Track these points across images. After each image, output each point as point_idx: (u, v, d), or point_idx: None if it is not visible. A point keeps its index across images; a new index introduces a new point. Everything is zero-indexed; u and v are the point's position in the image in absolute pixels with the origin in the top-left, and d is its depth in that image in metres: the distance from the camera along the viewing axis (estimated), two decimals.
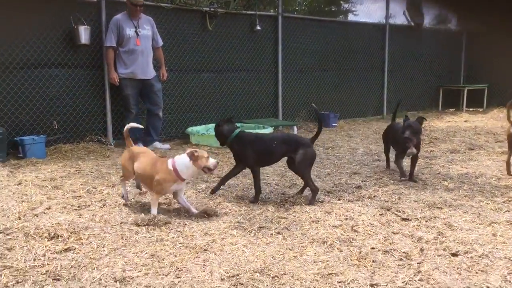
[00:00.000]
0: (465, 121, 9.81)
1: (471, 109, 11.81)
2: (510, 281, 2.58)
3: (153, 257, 2.90)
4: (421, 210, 3.83)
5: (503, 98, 11.47)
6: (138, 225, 3.41)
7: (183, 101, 7.72)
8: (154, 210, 3.62)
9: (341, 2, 14.69)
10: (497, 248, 3.03)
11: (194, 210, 3.75)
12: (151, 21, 6.67)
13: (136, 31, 6.46)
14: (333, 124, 9.25)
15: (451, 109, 12.01)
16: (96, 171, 5.15)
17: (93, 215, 3.65)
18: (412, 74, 11.55)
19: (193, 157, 3.59)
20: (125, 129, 4.07)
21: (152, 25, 6.69)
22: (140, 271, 2.71)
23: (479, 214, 3.73)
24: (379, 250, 3.01)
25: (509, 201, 4.06)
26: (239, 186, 4.63)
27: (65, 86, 6.50)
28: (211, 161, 3.66)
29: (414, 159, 4.87)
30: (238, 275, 2.65)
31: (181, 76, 7.67)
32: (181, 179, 3.63)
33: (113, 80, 6.48)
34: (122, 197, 4.02)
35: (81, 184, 4.57)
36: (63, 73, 6.46)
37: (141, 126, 4.56)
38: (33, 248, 2.99)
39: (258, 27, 8.48)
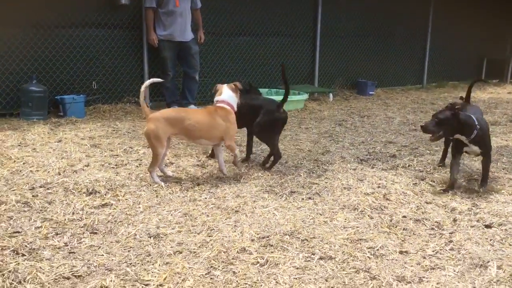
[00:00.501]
0: (509, 93, 9.43)
1: None
2: None
3: (186, 216, 2.98)
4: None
5: None
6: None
7: (219, 65, 7.70)
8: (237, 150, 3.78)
9: None
10: None
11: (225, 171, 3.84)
12: None
13: None
14: (370, 92, 9.06)
15: (494, 80, 11.53)
16: (133, 132, 5.27)
17: (129, 174, 3.76)
18: (456, 42, 11.07)
19: (234, 88, 3.81)
20: (142, 90, 3.63)
21: None
22: (173, 229, 2.80)
23: None
24: (410, 219, 2.99)
25: None
26: None
27: (104, 47, 6.58)
28: None
29: (485, 162, 3.56)
30: (268, 237, 2.70)
31: (218, 39, 7.63)
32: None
33: (152, 41, 6.52)
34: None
35: (118, 144, 4.69)
36: (103, 33, 6.54)
37: (160, 80, 4.10)
38: (72, 202, 3.13)
39: None
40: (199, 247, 2.56)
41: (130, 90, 6.85)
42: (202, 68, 7.19)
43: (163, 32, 6.52)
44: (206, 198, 3.30)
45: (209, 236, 2.70)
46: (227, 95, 3.75)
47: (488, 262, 2.43)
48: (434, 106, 7.76)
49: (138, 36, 6.80)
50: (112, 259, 2.40)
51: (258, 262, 2.40)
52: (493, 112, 7.09)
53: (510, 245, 2.65)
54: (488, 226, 2.89)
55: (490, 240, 2.71)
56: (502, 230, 2.85)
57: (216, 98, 3.80)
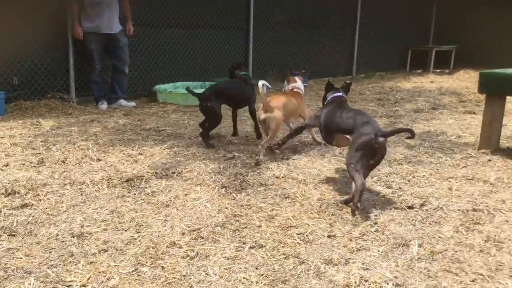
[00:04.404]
0: (431, 82, 9.95)
1: (438, 70, 11.97)
2: (461, 232, 2.68)
3: (113, 213, 2.88)
4: (382, 165, 3.90)
5: (470, 60, 11.71)
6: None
7: (151, 58, 7.52)
8: None
9: None
10: (451, 201, 3.13)
11: None
12: None
13: None
14: (303, 84, 9.20)
15: (418, 70, 12.14)
16: (57, 128, 5.01)
17: (52, 172, 3.57)
18: (383, 34, 11.55)
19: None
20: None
21: None
22: (99, 227, 2.69)
23: (437, 169, 3.83)
24: (338, 204, 3.07)
25: (467, 157, 4.18)
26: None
27: (26, 40, 6.20)
28: None
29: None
30: (199, 229, 2.66)
31: (149, 31, 7.43)
32: None
33: (77, 34, 6.24)
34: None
35: (41, 141, 4.44)
36: (24, 26, 6.15)
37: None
38: None
39: None
40: (126, 244, 2.48)
41: (55, 85, 6.52)
42: (132, 61, 6.98)
43: (89, 24, 6.26)
44: (135, 194, 3.20)
45: (137, 233, 2.62)
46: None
47: (410, 241, 2.55)
48: (363, 96, 8.04)
49: (63, 29, 6.47)
50: (32, 262, 2.26)
51: (188, 255, 2.36)
52: (417, 101, 7.45)
53: (430, 224, 2.79)
54: (410, 207, 3.03)
55: (412, 220, 2.83)
56: (423, 210, 2.99)
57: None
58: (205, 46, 8.25)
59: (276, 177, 3.61)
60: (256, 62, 9.07)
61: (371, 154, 2.96)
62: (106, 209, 2.93)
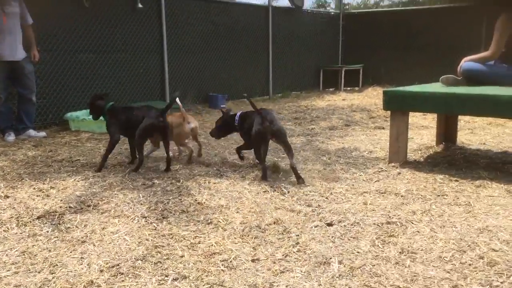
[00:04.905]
0: (343, 100, 10.46)
1: (348, 88, 12.63)
2: (378, 245, 2.81)
3: (24, 254, 2.69)
4: (301, 185, 4.01)
5: (376, 77, 12.51)
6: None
7: (60, 84, 7.18)
8: None
9: None
10: (367, 216, 3.28)
11: None
12: None
13: (1, 8, 5.83)
14: (222, 106, 9.28)
15: (331, 89, 12.73)
16: None
17: None
18: (295, 55, 12.01)
19: None
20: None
21: (20, 1, 6.09)
22: (9, 270, 2.49)
23: (353, 185, 4.01)
24: (261, 227, 3.09)
25: (379, 171, 4.42)
26: (126, 171, 4.45)
27: None
28: None
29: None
30: (118, 265, 2.55)
31: (56, 56, 7.11)
32: None
33: None
34: None
35: None
36: None
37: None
38: None
39: (140, 5, 8.15)
40: (39, 287, 2.32)
41: None
42: (40, 89, 6.65)
43: None
44: (48, 232, 3.01)
45: (52, 274, 2.46)
46: None
47: (331, 258, 2.62)
48: (280, 115, 8.26)
49: None
50: None
51: None
52: (331, 118, 7.79)
53: (348, 240, 2.90)
54: (329, 224, 3.13)
55: (332, 237, 2.93)
56: (341, 226, 3.10)
57: None
58: (119, 70, 8.05)
59: (198, 203, 3.58)
60: (172, 84, 9.00)
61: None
62: (16, 250, 2.72)
